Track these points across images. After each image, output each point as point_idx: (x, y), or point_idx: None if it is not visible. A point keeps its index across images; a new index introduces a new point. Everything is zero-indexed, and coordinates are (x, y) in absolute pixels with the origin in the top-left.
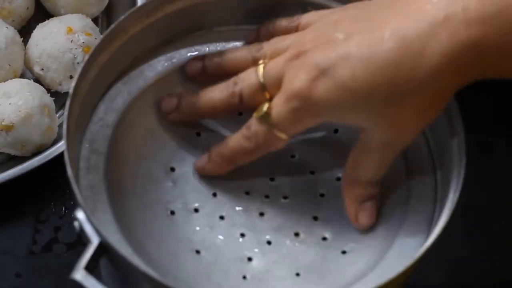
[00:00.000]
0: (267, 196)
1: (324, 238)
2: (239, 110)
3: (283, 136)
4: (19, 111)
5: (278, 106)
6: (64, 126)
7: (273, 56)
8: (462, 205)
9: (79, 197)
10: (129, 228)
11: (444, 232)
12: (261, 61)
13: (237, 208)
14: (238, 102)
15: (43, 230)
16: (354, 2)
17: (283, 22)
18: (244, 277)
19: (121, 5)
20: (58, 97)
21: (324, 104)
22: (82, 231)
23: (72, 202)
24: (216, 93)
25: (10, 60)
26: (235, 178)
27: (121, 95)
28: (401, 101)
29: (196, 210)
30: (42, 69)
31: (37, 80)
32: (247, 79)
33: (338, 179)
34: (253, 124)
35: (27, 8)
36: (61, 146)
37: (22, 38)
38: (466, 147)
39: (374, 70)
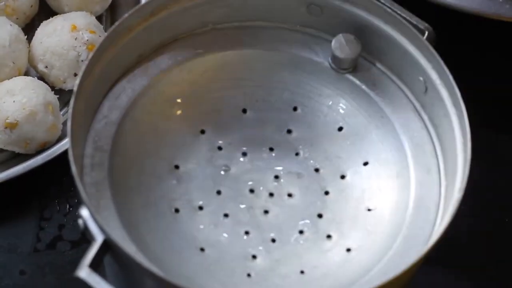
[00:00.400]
0: (271, 194)
1: (329, 236)
2: None
3: None
4: (23, 108)
5: None
6: (69, 123)
7: None
8: (466, 202)
9: (83, 194)
10: (133, 225)
11: (448, 229)
12: None
13: (241, 206)
14: None
15: (47, 228)
16: None
17: None
18: (249, 275)
19: (125, 3)
20: (62, 94)
21: None
22: (86, 228)
23: (76, 200)
24: None
25: (14, 58)
26: (239, 176)
27: (125, 92)
28: None
29: (201, 208)
30: (46, 67)
31: (41, 77)
32: None
33: (343, 176)
34: None
35: (31, 5)
36: (65, 143)
37: (26, 36)
38: (471, 144)
39: None
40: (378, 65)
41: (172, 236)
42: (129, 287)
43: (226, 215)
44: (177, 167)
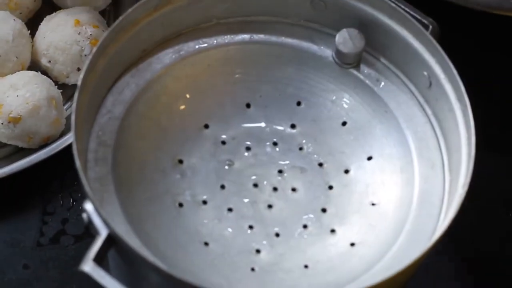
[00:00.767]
0: (275, 189)
1: (333, 230)
2: None
3: None
4: (27, 103)
5: None
6: (73, 118)
7: None
8: (470, 198)
9: (87, 189)
10: (137, 220)
11: (452, 225)
12: None
13: (245, 200)
14: None
15: (50, 222)
16: None
17: None
18: (253, 269)
19: None
20: (66, 89)
21: None
22: (90, 223)
23: (79, 194)
24: None
25: (18, 53)
26: (243, 170)
27: (129, 87)
28: None
29: (205, 202)
30: (50, 62)
31: (45, 72)
32: None
33: (347, 171)
34: None
35: (35, 0)
36: (68, 138)
37: (29, 31)
38: (475, 140)
39: None
40: (382, 59)
41: (176, 231)
42: (133, 281)
43: (230, 210)
44: (181, 161)
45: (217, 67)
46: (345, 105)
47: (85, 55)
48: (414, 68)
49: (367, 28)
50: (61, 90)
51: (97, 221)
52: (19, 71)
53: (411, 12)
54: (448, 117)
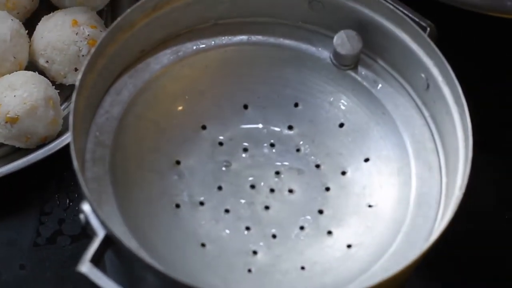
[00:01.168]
0: (272, 190)
1: (330, 232)
2: None
3: None
4: (24, 103)
5: None
6: (70, 118)
7: None
8: (467, 200)
9: (85, 189)
10: (135, 221)
11: (449, 227)
12: None
13: (242, 202)
14: None
15: (47, 222)
16: None
17: None
18: (249, 270)
19: None
20: (63, 89)
21: None
22: (87, 223)
23: (76, 195)
24: None
25: (15, 53)
26: (240, 172)
27: (127, 87)
28: None
29: (202, 203)
30: (47, 62)
31: (42, 72)
32: None
33: (344, 173)
34: None
35: (32, 0)
36: (65, 138)
37: (27, 31)
38: (472, 141)
39: None
40: (380, 61)
41: (173, 232)
42: (130, 282)
43: (227, 211)
44: (178, 162)
45: (215, 68)
46: (342, 107)
47: (83, 56)
48: (411, 70)
49: (365, 30)
50: (59, 90)
51: (95, 222)
52: (16, 71)
53: (409, 14)
54: (446, 119)
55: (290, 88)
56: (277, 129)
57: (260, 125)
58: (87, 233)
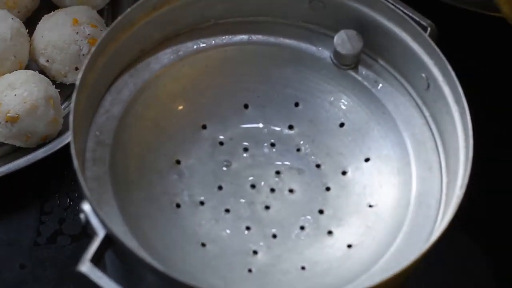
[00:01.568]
0: (272, 190)
1: (330, 232)
2: None
3: None
4: (24, 102)
5: None
6: (71, 117)
7: None
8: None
9: (85, 189)
10: (135, 220)
11: (450, 226)
12: None
13: (243, 201)
14: None
15: (47, 222)
16: None
17: None
18: (250, 270)
19: None
20: (63, 88)
21: None
22: (88, 223)
23: (76, 194)
24: None
25: (15, 52)
26: (240, 171)
27: (127, 87)
28: None
29: (202, 203)
30: (48, 61)
31: (42, 71)
32: None
33: (344, 173)
34: None
35: None
36: (65, 137)
37: (27, 30)
38: (473, 141)
39: None
40: (380, 61)
41: (174, 231)
42: (131, 281)
43: (227, 211)
44: (178, 162)
45: (215, 68)
46: (343, 107)
47: (83, 55)
48: (412, 70)
49: (366, 30)
50: (59, 90)
51: (95, 222)
52: (17, 70)
53: (410, 14)
54: (446, 119)
55: (291, 87)
56: (277, 128)
57: (261, 125)
58: (87, 232)
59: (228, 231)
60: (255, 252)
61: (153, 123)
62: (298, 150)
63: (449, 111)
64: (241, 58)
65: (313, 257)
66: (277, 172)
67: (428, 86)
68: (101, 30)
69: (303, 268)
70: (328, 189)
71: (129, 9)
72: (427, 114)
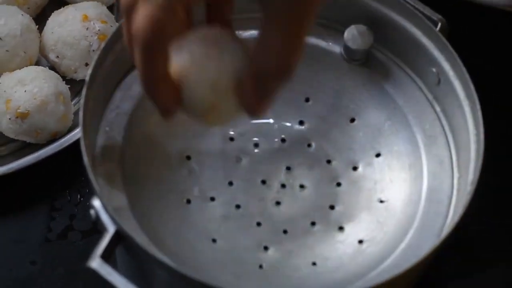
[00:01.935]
0: (283, 185)
1: (341, 228)
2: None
3: None
4: (34, 98)
5: None
6: (80, 113)
7: None
8: (478, 195)
9: (95, 185)
10: (145, 216)
11: (460, 224)
12: None
13: (253, 197)
14: None
15: (58, 218)
16: None
17: None
18: (260, 266)
19: None
20: (73, 84)
21: None
22: (98, 219)
23: (87, 190)
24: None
25: (26, 48)
26: (251, 167)
27: (137, 83)
28: None
29: (212, 199)
30: (58, 57)
31: (52, 67)
32: None
33: (355, 168)
34: (135, 10)
35: None
36: (76, 133)
37: (37, 26)
38: (484, 136)
39: None
40: (391, 56)
41: (184, 227)
42: (141, 278)
43: (238, 206)
44: (188, 158)
45: None
46: (353, 102)
47: (93, 50)
48: (423, 65)
49: (376, 25)
50: (69, 86)
51: (105, 218)
52: (27, 66)
53: (420, 9)
54: (457, 114)
55: (301, 83)
56: (288, 124)
57: (271, 120)
58: (98, 228)
59: (238, 227)
60: (266, 248)
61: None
62: (309, 145)
63: (460, 106)
64: None
65: (324, 253)
66: (288, 168)
67: (439, 81)
68: (111, 26)
69: (314, 264)
70: (339, 184)
71: None
72: (438, 109)
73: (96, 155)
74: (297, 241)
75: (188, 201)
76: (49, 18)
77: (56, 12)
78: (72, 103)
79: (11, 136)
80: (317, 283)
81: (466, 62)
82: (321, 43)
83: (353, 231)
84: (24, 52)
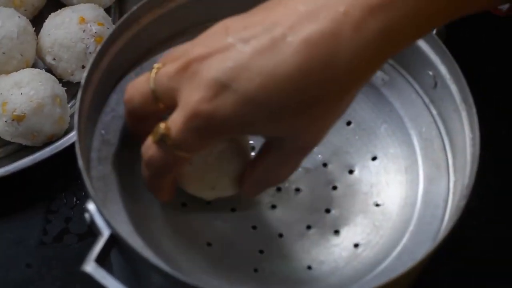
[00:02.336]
0: (279, 189)
1: (336, 231)
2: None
3: (185, 155)
4: (31, 101)
5: (177, 125)
6: (76, 116)
7: (165, 63)
8: (475, 199)
9: (90, 188)
10: (140, 219)
11: (455, 227)
12: (155, 66)
13: (249, 201)
14: (131, 110)
15: (54, 221)
16: None
17: None
18: (256, 270)
19: None
20: (70, 87)
21: (231, 121)
22: (92, 222)
23: (83, 193)
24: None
25: (22, 50)
26: None
27: None
28: (315, 106)
29: (208, 202)
30: (54, 59)
31: (49, 70)
32: (138, 85)
33: (351, 171)
34: (149, 149)
35: None
36: (72, 136)
37: (34, 28)
38: (480, 139)
39: (282, 79)
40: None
41: (179, 230)
42: (136, 281)
43: (233, 210)
44: None
45: None
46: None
47: (90, 53)
48: (419, 68)
49: None
50: (66, 88)
51: (100, 221)
52: (23, 68)
53: None
54: (453, 117)
55: None
56: None
57: None
58: (93, 231)
59: (234, 230)
60: (261, 252)
61: None
62: None
63: (456, 109)
64: None
65: (319, 256)
66: None
67: (436, 84)
68: (107, 28)
69: (309, 267)
70: (335, 188)
71: (135, 7)
72: (434, 112)
73: (91, 158)
74: (293, 245)
75: (184, 205)
76: (46, 20)
77: (53, 14)
78: (69, 105)
79: (7, 138)
80: (313, 287)
81: (462, 65)
82: None
83: (348, 235)
84: (21, 55)
